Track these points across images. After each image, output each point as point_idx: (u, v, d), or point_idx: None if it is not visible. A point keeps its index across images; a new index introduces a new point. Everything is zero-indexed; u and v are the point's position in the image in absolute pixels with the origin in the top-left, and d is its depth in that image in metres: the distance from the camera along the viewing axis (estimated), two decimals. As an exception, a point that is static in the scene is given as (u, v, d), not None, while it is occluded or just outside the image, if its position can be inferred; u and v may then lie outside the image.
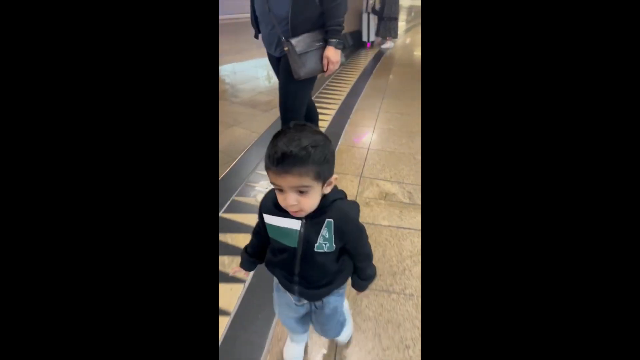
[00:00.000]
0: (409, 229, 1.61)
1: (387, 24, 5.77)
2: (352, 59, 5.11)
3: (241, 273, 0.90)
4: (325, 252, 0.71)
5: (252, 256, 0.87)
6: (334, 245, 0.70)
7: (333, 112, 3.03)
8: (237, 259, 0.91)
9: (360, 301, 1.25)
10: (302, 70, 1.50)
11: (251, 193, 1.83)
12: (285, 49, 1.47)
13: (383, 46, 5.87)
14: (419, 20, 9.86)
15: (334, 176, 0.66)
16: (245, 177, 1.96)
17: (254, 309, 1.20)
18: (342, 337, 1.06)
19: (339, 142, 2.48)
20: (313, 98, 3.51)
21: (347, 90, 3.66)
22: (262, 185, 1.90)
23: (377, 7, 5.81)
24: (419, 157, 2.26)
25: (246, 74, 4.28)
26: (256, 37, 1.69)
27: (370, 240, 0.80)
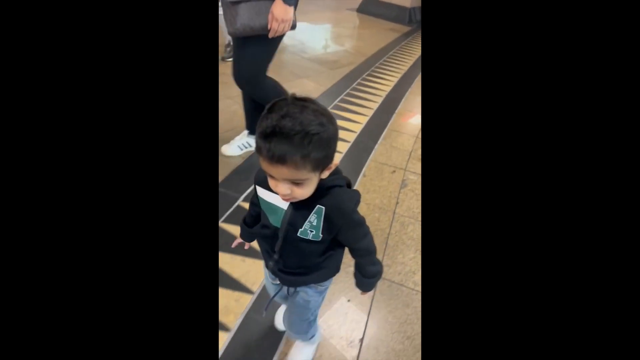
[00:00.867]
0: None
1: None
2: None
3: (242, 245, 0.86)
4: (309, 240, 0.64)
5: (250, 226, 0.81)
6: (321, 235, 0.63)
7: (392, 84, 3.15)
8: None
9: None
10: (236, 23, 1.25)
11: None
12: None
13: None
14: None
15: (335, 162, 0.58)
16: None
17: (259, 326, 1.07)
18: (306, 342, 0.96)
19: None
20: (379, 65, 3.63)
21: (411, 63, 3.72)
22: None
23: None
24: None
25: (312, 33, 4.45)
26: None
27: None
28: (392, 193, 1.72)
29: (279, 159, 0.50)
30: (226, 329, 1.04)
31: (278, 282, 0.78)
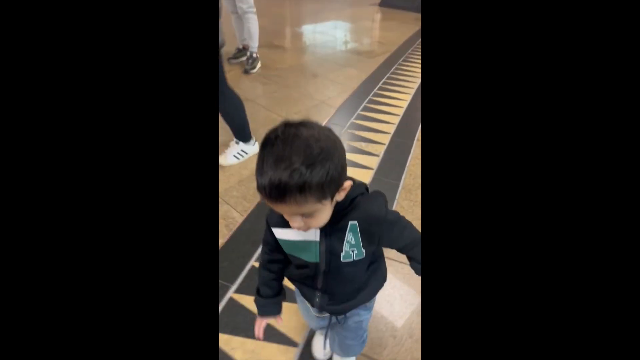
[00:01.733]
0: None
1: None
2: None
3: (271, 322, 0.75)
4: (353, 261, 0.61)
5: (273, 296, 0.72)
6: (364, 250, 0.60)
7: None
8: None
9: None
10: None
11: (368, 114, 2.40)
12: None
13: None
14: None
15: (348, 182, 0.55)
16: (360, 105, 2.53)
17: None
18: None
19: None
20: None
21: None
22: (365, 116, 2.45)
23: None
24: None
25: (344, 28, 4.76)
26: None
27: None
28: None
29: (276, 199, 0.48)
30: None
31: (324, 315, 0.74)
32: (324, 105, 2.49)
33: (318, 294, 0.67)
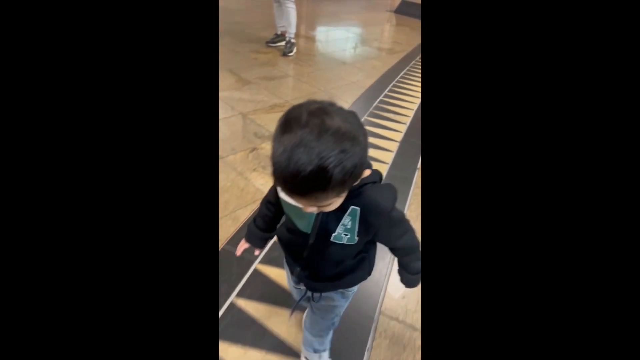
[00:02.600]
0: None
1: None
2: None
3: (249, 250, 0.76)
4: (343, 244, 0.60)
5: (263, 230, 0.73)
6: (357, 237, 0.59)
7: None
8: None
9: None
10: None
11: (391, 101, 2.80)
12: None
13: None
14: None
15: (367, 171, 0.55)
16: (383, 92, 2.94)
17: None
18: (317, 357, 0.90)
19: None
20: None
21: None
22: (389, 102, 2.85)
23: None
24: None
25: (365, 30, 5.19)
26: None
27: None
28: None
29: (296, 194, 0.47)
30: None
31: (301, 287, 0.74)
32: (354, 85, 2.88)
33: (301, 263, 0.67)
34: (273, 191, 0.69)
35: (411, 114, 2.48)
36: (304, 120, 0.44)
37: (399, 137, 2.15)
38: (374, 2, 7.38)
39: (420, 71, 3.41)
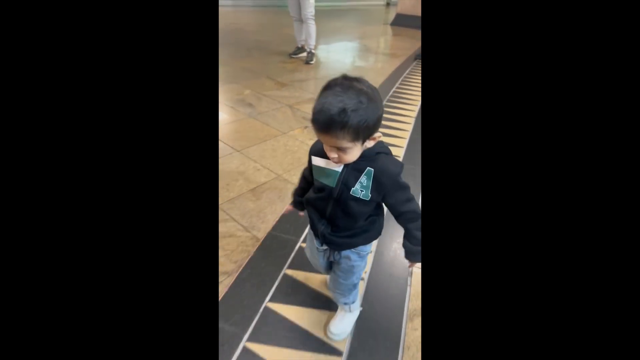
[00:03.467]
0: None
1: None
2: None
3: (296, 213, 0.96)
4: (359, 199, 0.73)
5: (300, 196, 0.92)
6: (370, 194, 0.72)
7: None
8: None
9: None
10: None
11: (406, 89, 3.41)
12: None
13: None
14: None
15: (378, 134, 0.67)
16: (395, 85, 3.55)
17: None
18: (347, 311, 1.03)
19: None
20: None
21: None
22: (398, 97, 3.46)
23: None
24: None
25: (368, 39, 5.88)
26: None
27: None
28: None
29: (323, 129, 0.61)
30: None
31: (324, 249, 0.88)
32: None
33: (324, 221, 0.81)
34: (307, 170, 0.88)
35: (419, 106, 3.07)
36: (339, 82, 0.62)
37: (408, 127, 2.46)
38: (370, 16, 8.16)
39: (421, 70, 4.03)
